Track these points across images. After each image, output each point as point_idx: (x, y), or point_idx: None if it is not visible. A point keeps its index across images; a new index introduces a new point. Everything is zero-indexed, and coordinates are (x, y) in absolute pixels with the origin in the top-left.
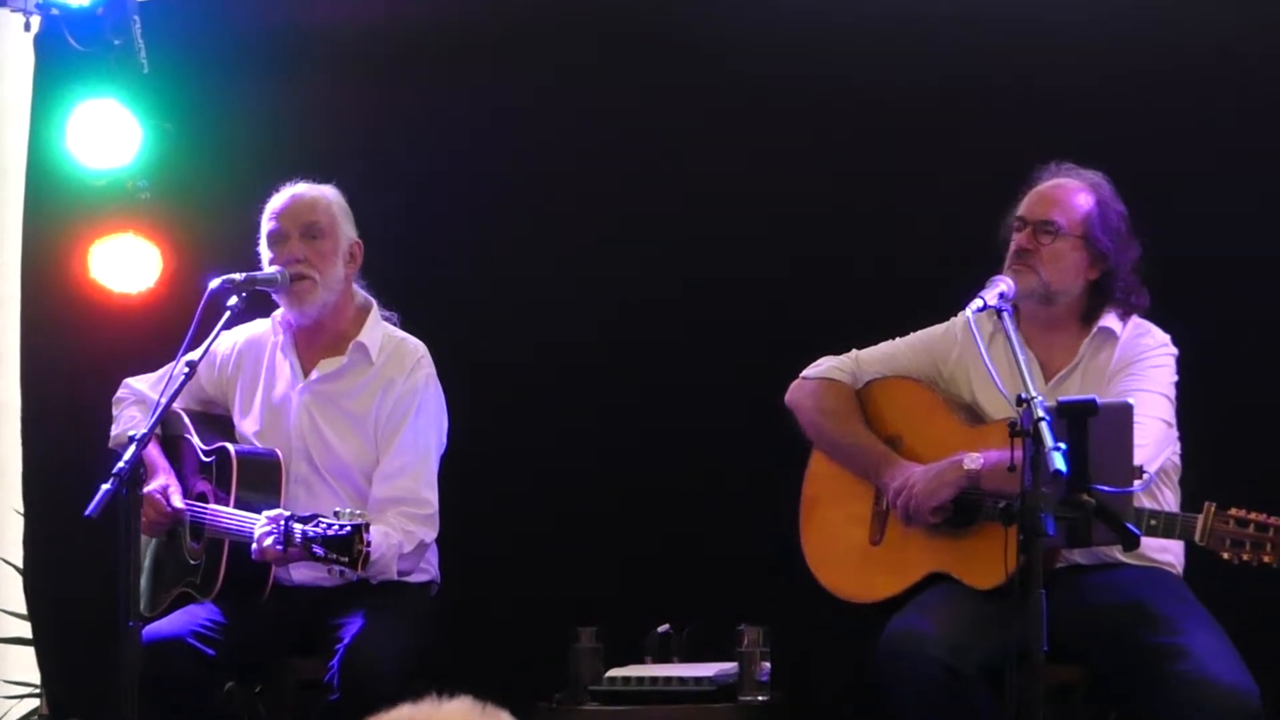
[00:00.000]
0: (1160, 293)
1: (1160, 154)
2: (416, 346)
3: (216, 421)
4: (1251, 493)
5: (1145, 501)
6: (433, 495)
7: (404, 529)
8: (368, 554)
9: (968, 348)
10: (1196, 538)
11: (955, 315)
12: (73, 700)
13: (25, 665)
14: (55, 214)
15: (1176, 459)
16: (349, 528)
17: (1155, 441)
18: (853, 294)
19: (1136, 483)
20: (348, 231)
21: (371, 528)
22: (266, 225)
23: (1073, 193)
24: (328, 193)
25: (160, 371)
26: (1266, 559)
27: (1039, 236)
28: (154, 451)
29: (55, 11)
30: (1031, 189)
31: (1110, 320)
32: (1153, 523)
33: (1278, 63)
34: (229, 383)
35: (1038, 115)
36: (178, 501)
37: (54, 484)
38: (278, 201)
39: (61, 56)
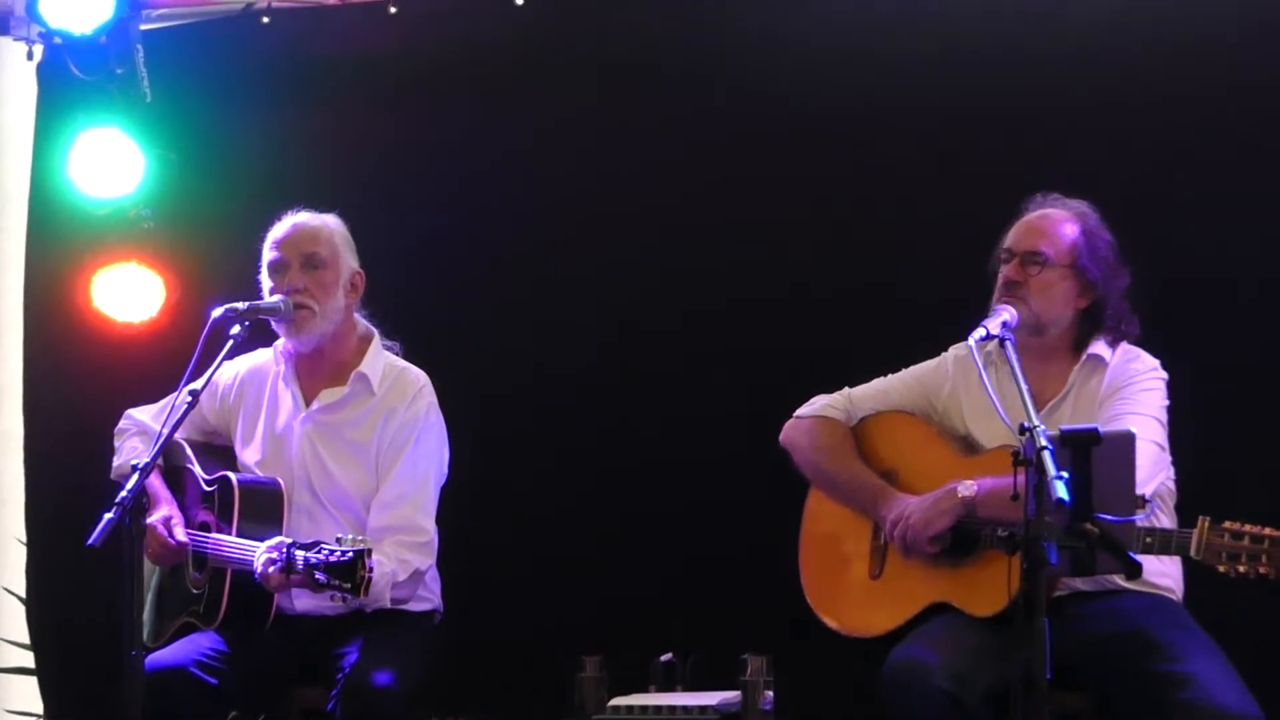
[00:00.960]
0: (1151, 317)
1: (1154, 180)
2: (418, 376)
3: (219, 452)
4: (1243, 510)
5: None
6: (429, 524)
7: (399, 557)
8: (370, 580)
9: (960, 381)
10: (1192, 552)
11: (952, 346)
12: None
13: (28, 695)
14: (58, 243)
15: (1171, 484)
16: (351, 553)
17: (1149, 465)
18: (854, 325)
19: (1139, 513)
20: (349, 262)
21: (373, 554)
22: (268, 254)
23: (1059, 223)
24: (330, 222)
25: (162, 403)
26: (1263, 570)
27: (1027, 268)
28: (156, 482)
29: (58, 40)
30: (1018, 220)
31: (1100, 348)
32: (1148, 540)
33: (1270, 89)
34: (231, 413)
35: (1034, 142)
36: (180, 534)
37: (57, 513)
38: (279, 230)
39: (64, 85)
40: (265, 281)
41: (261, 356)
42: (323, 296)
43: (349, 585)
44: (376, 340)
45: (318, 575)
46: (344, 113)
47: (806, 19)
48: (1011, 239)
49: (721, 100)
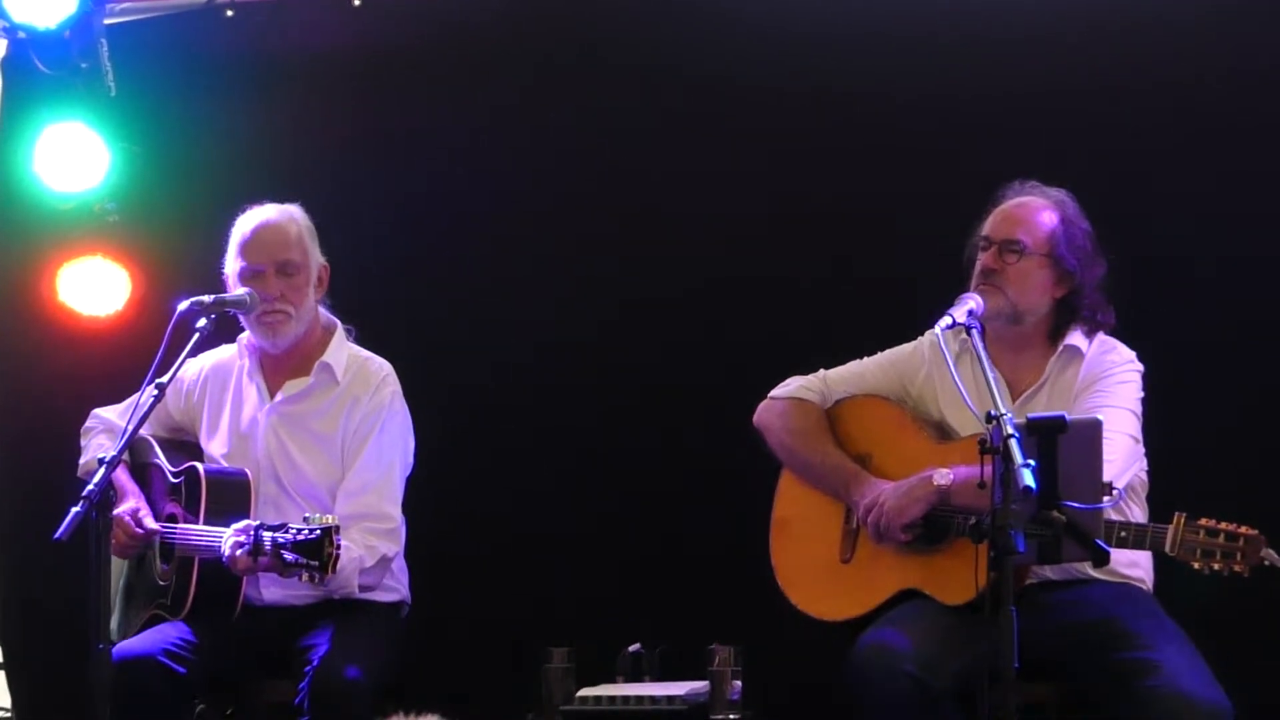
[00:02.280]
0: (1127, 308)
1: (1130, 167)
2: (381, 365)
3: (185, 448)
4: (1217, 506)
5: (1114, 515)
6: (395, 510)
7: (366, 543)
8: (337, 556)
9: (935, 366)
10: (1167, 548)
11: (928, 330)
12: None
13: None
14: (23, 237)
15: (1144, 475)
16: (318, 530)
17: (1123, 457)
18: (823, 310)
19: (1106, 499)
20: (316, 257)
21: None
22: (237, 261)
23: (1037, 211)
24: (296, 217)
25: (128, 401)
26: (1237, 568)
27: (1004, 256)
28: (123, 476)
29: (22, 35)
30: (995, 208)
31: (1076, 338)
32: (1123, 535)
33: (1247, 76)
34: (195, 408)
35: (1010, 128)
36: (149, 523)
37: (23, 507)
38: (247, 232)
39: (28, 80)
40: (232, 278)
41: (225, 352)
42: (298, 300)
43: (317, 563)
44: (339, 331)
45: (286, 555)
46: (308, 106)
47: (778, 4)
48: (989, 227)
49: (693, 85)
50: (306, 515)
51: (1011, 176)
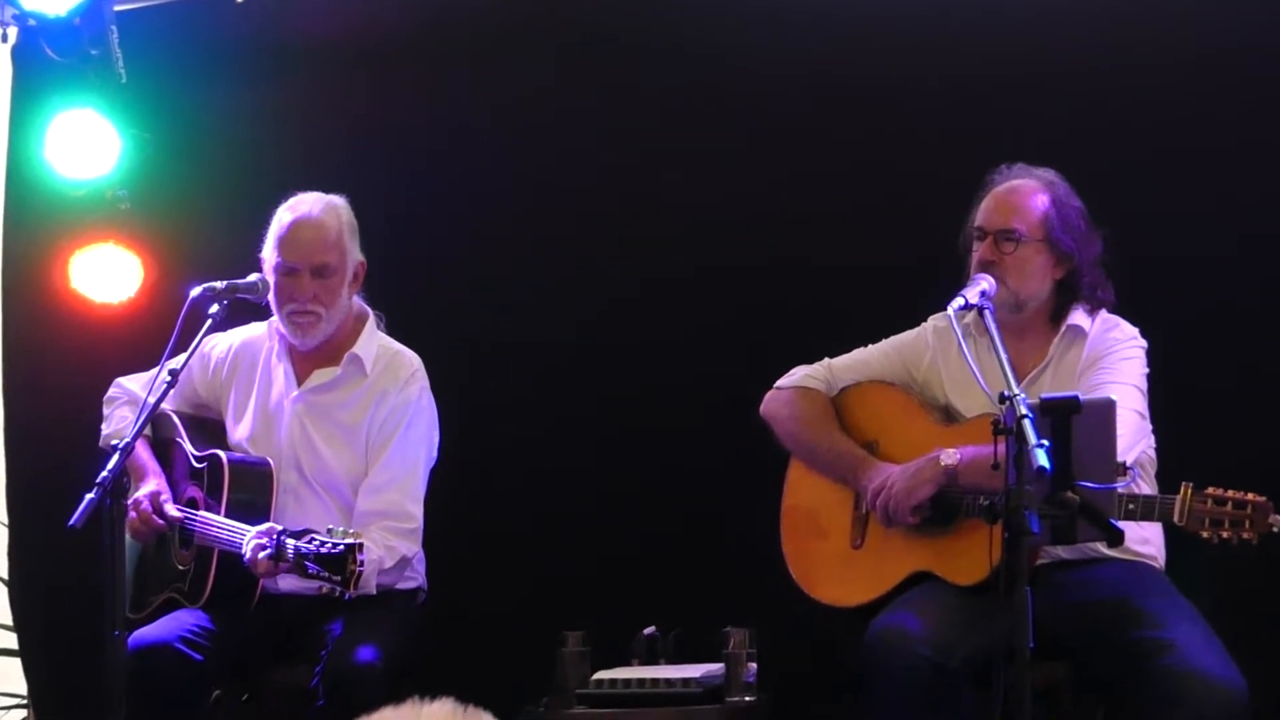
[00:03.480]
0: (1127, 285)
1: (1127, 148)
2: (411, 359)
3: (208, 426)
4: (1223, 477)
5: (1121, 490)
6: (417, 510)
7: (386, 544)
8: (360, 574)
9: (940, 351)
10: (1175, 518)
11: (931, 316)
12: (61, 710)
13: (12, 676)
14: (35, 225)
15: (1151, 452)
16: (342, 546)
17: (1130, 433)
18: (833, 296)
19: (1120, 480)
20: (354, 255)
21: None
22: (273, 254)
23: (1028, 196)
24: (340, 214)
25: (151, 372)
26: (1246, 535)
27: (1001, 245)
28: (145, 454)
29: (32, 23)
30: (984, 194)
31: (1078, 317)
32: (1130, 507)
33: (1239, 56)
34: (223, 386)
35: (1005, 112)
36: (171, 510)
37: (38, 494)
38: (286, 223)
39: (39, 67)
40: (267, 266)
41: (255, 330)
42: (330, 301)
43: (339, 578)
44: (371, 321)
45: (308, 565)
46: (319, 92)
47: None
48: (982, 217)
49: (688, 72)
50: (330, 527)
51: (1028, 159)
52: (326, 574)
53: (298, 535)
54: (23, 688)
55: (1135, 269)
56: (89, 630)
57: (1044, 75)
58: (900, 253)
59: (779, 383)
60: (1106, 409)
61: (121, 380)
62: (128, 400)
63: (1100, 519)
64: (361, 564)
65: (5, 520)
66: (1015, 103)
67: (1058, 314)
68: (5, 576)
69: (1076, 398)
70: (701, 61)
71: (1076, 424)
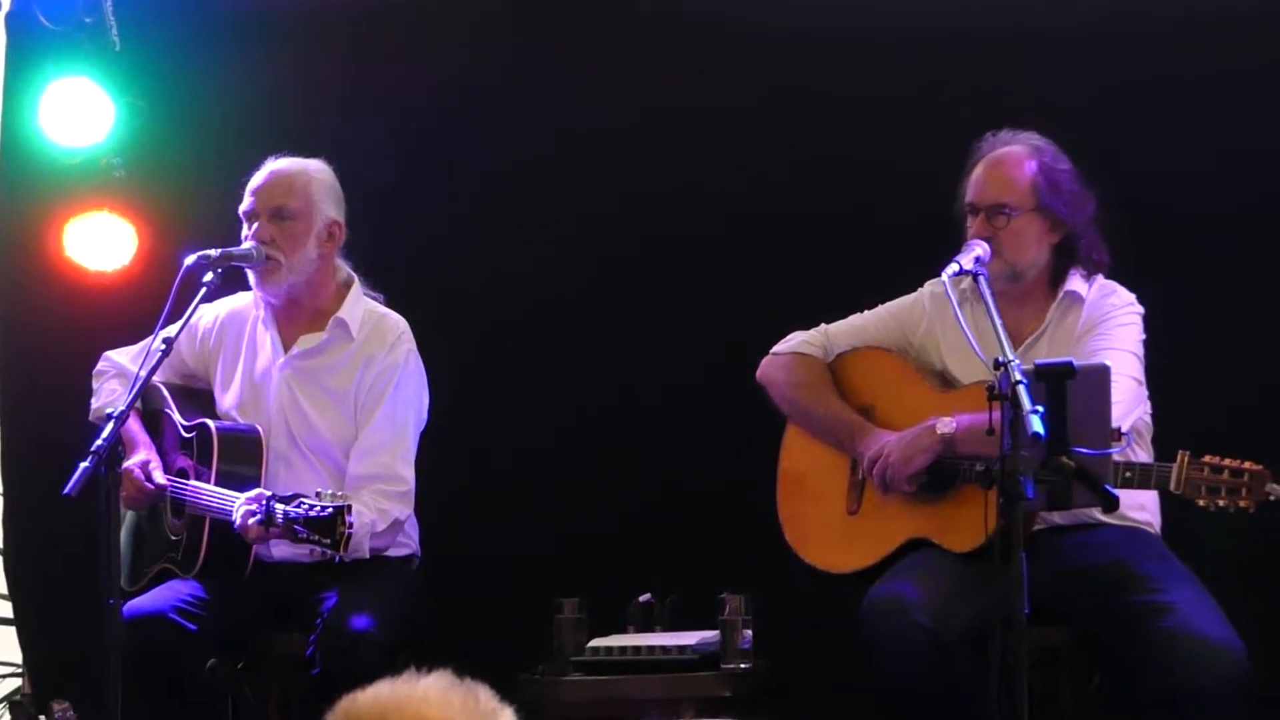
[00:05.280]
0: (1123, 248)
1: (1123, 110)
2: (398, 322)
3: (197, 396)
4: (1219, 444)
5: (1118, 458)
6: (409, 472)
7: (378, 506)
8: (350, 535)
9: (937, 317)
10: (1172, 486)
11: (928, 282)
12: (56, 679)
13: (7, 645)
14: (29, 193)
15: (1148, 418)
16: (331, 509)
17: (1127, 399)
18: (831, 260)
19: (1115, 445)
20: (326, 211)
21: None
22: (245, 200)
23: (1014, 166)
24: (310, 169)
25: (140, 345)
26: (1243, 504)
27: (993, 220)
28: (135, 426)
29: None
30: (972, 166)
31: (1075, 282)
32: (1128, 475)
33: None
34: (210, 356)
35: (1003, 75)
36: (159, 478)
37: (32, 463)
38: (256, 178)
39: (33, 35)
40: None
41: (242, 300)
42: (290, 248)
43: (329, 540)
44: (357, 286)
45: (297, 529)
46: (314, 59)
47: None
48: (973, 192)
49: (692, 32)
50: (319, 491)
51: (1026, 120)
52: (316, 537)
53: (286, 500)
54: (18, 657)
55: (1134, 230)
56: (85, 600)
57: (1043, 36)
58: (897, 218)
59: (775, 348)
60: (1101, 374)
61: (109, 354)
62: (116, 374)
63: (1095, 484)
64: (351, 525)
65: (0, 489)
66: (1013, 65)
67: (1056, 279)
68: (0, 545)
69: (1071, 363)
70: (714, 20)
71: (1071, 389)
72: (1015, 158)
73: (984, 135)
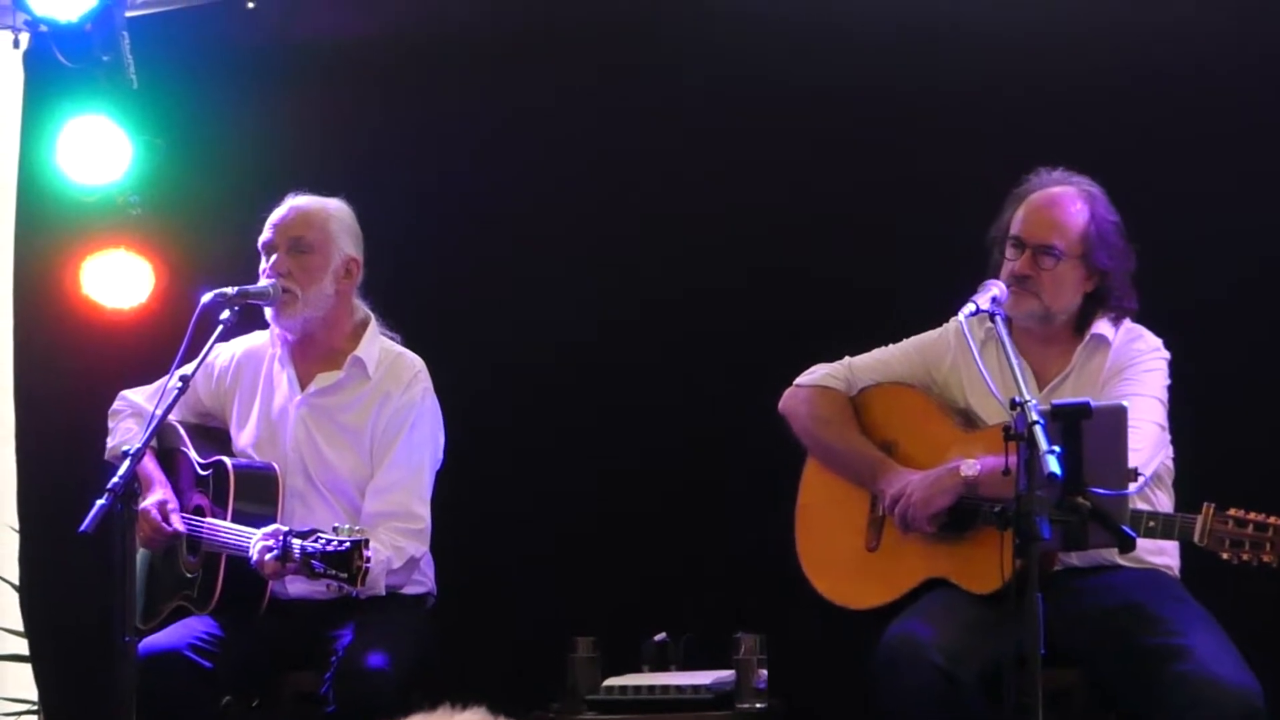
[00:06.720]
0: (1149, 295)
1: (1148, 160)
2: (414, 361)
3: (213, 435)
4: (1244, 496)
5: (1141, 505)
6: (424, 510)
7: (394, 544)
8: (367, 570)
9: (961, 353)
10: (1196, 538)
11: (954, 317)
12: (71, 716)
13: (23, 682)
14: (46, 231)
15: (1170, 462)
16: (348, 543)
17: (1150, 445)
18: (849, 300)
19: (1131, 485)
20: (344, 248)
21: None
22: (265, 232)
23: (1069, 210)
24: (329, 207)
25: (156, 384)
26: (1266, 558)
27: (1039, 259)
28: (150, 465)
29: (44, 29)
30: (1023, 198)
31: (1103, 326)
32: (1151, 524)
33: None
34: (227, 394)
35: (1014, 118)
36: (177, 522)
37: (49, 500)
38: (278, 211)
39: (51, 73)
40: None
41: (258, 339)
42: (306, 282)
43: (345, 575)
44: (373, 325)
45: (314, 564)
46: (330, 98)
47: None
48: (1021, 227)
49: (710, 82)
50: (336, 525)
51: (1035, 157)
52: (333, 572)
53: (303, 535)
54: (34, 694)
55: (1158, 274)
56: (100, 637)
57: (1052, 76)
58: (913, 257)
59: (799, 380)
60: (1118, 415)
61: (125, 393)
62: (132, 413)
63: (1111, 524)
64: (368, 560)
65: (17, 526)
66: (1025, 103)
67: (1083, 323)
68: (16, 583)
69: (1088, 403)
70: (726, 71)
71: (1088, 430)
72: (1069, 200)
73: (1035, 169)
